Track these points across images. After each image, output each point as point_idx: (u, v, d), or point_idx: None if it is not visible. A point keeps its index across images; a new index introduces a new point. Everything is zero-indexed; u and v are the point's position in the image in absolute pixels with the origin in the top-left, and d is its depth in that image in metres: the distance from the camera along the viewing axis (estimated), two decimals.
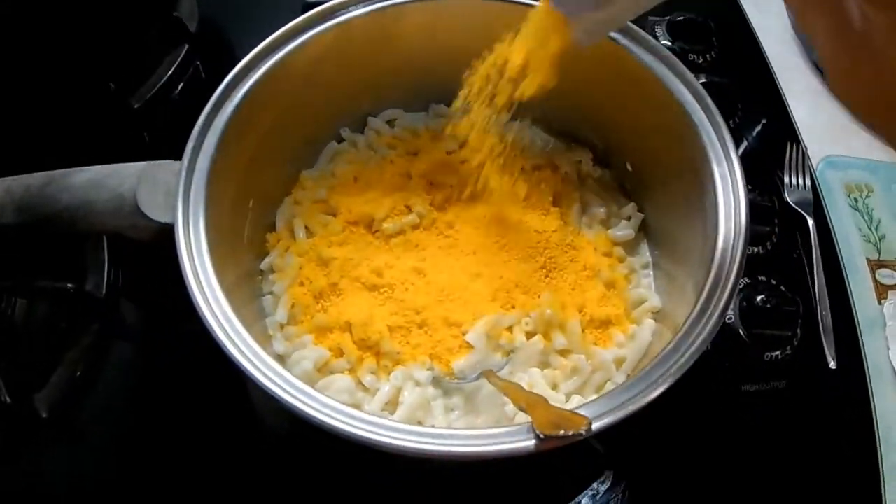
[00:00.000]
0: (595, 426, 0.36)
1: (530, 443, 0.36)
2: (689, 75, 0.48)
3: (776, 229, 0.61)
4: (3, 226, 0.47)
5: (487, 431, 0.37)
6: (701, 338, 0.40)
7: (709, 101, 0.47)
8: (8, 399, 0.52)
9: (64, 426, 0.53)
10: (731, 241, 0.43)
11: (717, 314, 0.41)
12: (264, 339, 0.49)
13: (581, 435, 0.36)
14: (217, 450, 0.52)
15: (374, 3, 0.50)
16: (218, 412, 0.53)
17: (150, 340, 0.58)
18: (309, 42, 0.49)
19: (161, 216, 0.44)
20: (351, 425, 0.37)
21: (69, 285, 0.57)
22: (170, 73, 0.62)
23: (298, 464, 0.52)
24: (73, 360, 0.55)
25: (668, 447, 0.53)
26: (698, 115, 0.47)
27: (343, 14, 0.50)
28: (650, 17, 0.68)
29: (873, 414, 0.56)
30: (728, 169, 0.46)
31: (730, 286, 0.42)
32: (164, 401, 0.54)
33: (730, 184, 0.45)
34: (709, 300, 0.42)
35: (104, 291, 0.57)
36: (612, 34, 0.49)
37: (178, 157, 0.46)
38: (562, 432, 0.36)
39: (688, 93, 0.48)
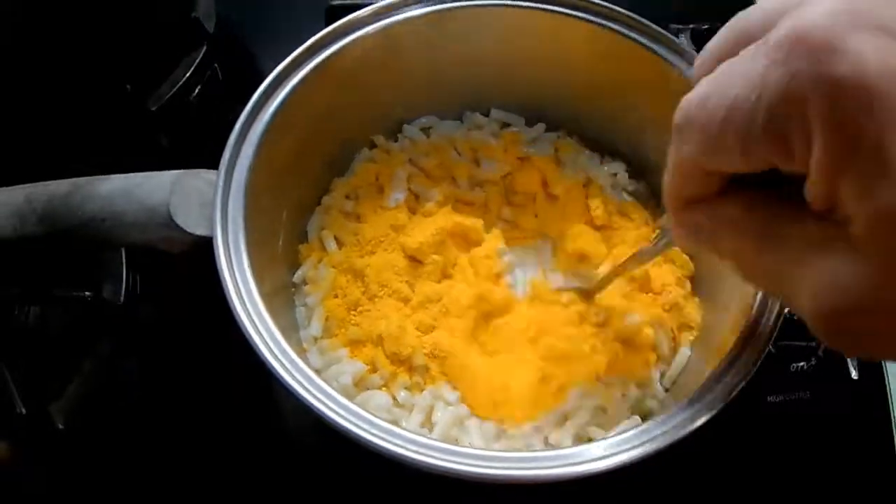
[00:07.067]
0: (653, 448, 0.37)
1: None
2: None
3: None
4: (27, 237, 0.45)
5: (543, 455, 0.37)
6: (747, 367, 0.41)
7: None
8: (23, 409, 0.51)
9: (81, 436, 0.52)
10: None
11: (762, 341, 0.41)
12: (299, 353, 0.48)
13: None
14: (242, 463, 0.51)
15: (411, 10, 0.49)
16: (242, 423, 0.52)
17: (170, 348, 0.56)
18: (345, 48, 0.48)
19: (197, 228, 0.42)
20: (421, 453, 0.36)
21: (86, 293, 0.55)
22: (187, 75, 0.60)
23: (328, 479, 0.51)
24: (90, 369, 0.54)
25: (692, 457, 0.53)
26: None
27: (380, 20, 0.49)
28: (673, 26, 0.67)
29: (893, 424, 0.56)
30: None
31: (775, 312, 0.42)
32: (186, 411, 0.53)
33: None
34: (755, 324, 0.42)
35: (122, 299, 0.55)
36: (652, 45, 0.49)
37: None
38: None
39: None
